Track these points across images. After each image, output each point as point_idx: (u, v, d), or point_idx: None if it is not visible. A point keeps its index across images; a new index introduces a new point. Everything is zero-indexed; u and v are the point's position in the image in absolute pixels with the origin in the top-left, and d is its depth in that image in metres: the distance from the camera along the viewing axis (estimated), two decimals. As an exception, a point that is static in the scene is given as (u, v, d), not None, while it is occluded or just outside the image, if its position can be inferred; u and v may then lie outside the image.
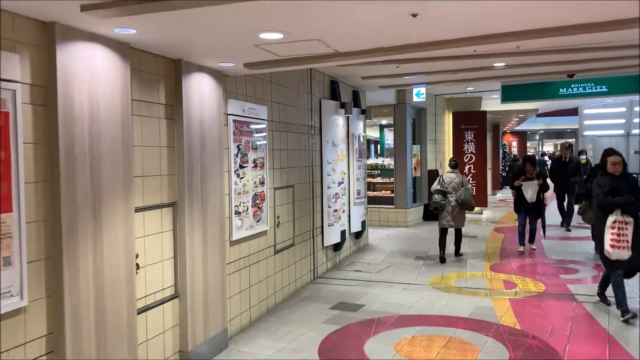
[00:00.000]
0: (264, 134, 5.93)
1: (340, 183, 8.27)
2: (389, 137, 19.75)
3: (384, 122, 17.70)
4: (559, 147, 40.39)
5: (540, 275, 7.43)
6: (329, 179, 7.86)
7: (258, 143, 5.78)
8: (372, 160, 14.92)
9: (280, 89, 6.46)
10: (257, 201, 5.74)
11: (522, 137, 31.25)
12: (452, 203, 8.30)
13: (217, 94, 4.93)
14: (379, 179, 13.90)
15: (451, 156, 10.61)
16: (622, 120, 19.12)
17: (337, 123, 8.21)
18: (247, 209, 5.53)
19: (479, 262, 8.40)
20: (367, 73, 8.04)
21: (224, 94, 5.15)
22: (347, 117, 8.63)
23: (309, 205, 7.31)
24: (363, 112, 9.45)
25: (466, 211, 8.57)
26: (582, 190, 11.39)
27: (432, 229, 11.98)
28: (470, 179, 13.52)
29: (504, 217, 14.11)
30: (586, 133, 19.55)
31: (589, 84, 10.79)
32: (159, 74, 4.30)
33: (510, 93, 11.73)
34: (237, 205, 5.33)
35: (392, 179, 12.90)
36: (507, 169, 24.74)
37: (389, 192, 12.98)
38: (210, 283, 4.83)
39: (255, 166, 5.70)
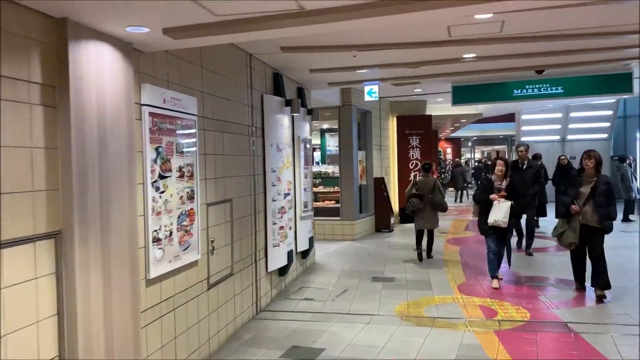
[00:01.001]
0: (194, 136, 4.52)
1: (286, 195, 6.94)
2: (331, 143, 18.65)
3: (325, 126, 16.54)
4: (491, 153, 39.67)
5: (519, 299, 6.46)
6: (274, 190, 6.52)
7: (185, 147, 4.37)
8: (313, 168, 13.69)
9: (214, 77, 5.08)
10: (185, 222, 4.32)
11: (457, 143, 31.34)
12: (426, 206, 8.56)
13: (125, 74, 3.49)
14: (321, 188, 12.71)
15: (425, 160, 10.06)
16: (558, 126, 19.18)
17: (282, 123, 6.89)
18: (171, 233, 4.10)
19: (445, 283, 7.36)
20: (317, 65, 6.81)
21: (137, 77, 3.72)
22: (293, 117, 7.32)
23: (250, 223, 5.94)
24: (309, 112, 8.19)
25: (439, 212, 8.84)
26: (542, 199, 10.60)
27: (381, 243, 10.96)
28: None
29: (452, 226, 13.35)
30: (523, 139, 19.40)
31: (544, 85, 10.14)
32: (31, 38, 2.84)
33: (461, 95, 10.88)
34: (156, 230, 3.90)
35: (336, 188, 11.75)
36: (443, 175, 24.44)
37: (334, 202, 11.82)
38: (117, 343, 3.37)
39: (182, 176, 4.29)
